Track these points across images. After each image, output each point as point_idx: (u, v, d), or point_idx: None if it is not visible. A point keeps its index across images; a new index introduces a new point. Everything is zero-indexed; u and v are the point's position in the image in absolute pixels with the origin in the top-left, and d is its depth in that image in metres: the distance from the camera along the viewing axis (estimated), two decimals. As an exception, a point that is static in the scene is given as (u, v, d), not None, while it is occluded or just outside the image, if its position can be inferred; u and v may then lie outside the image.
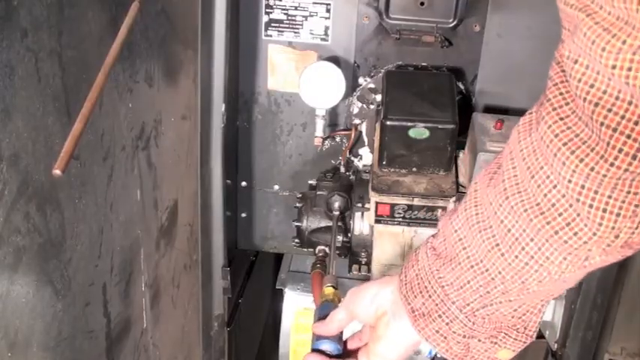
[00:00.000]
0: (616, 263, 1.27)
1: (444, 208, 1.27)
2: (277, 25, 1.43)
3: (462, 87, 1.45)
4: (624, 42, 0.51)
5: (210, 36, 1.24)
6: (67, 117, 0.76)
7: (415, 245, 1.32)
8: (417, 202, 1.27)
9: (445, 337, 0.76)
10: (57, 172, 0.67)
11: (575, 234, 0.63)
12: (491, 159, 1.25)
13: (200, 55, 1.23)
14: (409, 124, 1.26)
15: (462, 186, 1.33)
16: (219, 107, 1.29)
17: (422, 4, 1.38)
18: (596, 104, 0.56)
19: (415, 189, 1.28)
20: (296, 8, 1.41)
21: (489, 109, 1.45)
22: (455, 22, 1.39)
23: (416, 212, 1.28)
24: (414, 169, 1.30)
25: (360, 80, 1.46)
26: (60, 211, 0.77)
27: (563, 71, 0.61)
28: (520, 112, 1.45)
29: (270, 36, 1.44)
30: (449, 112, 1.27)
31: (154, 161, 1.07)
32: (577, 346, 1.39)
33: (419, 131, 1.25)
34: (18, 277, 0.70)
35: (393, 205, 1.28)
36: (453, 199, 1.27)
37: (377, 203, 1.28)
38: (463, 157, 1.38)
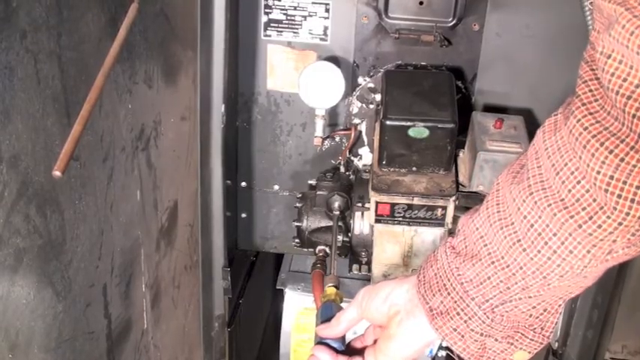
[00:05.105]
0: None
1: (443, 207, 1.27)
2: (276, 25, 1.43)
3: (461, 86, 1.45)
4: None
5: (209, 36, 1.24)
6: (67, 118, 0.76)
7: (415, 245, 1.32)
8: (416, 201, 1.27)
9: (462, 336, 0.76)
10: (57, 173, 0.67)
11: (599, 227, 0.65)
12: (490, 158, 1.26)
13: (199, 55, 1.23)
14: (409, 123, 1.26)
15: (462, 185, 1.33)
16: (218, 108, 1.29)
17: (421, 3, 1.38)
18: (629, 97, 0.59)
19: (415, 188, 1.28)
20: (295, 8, 1.41)
21: (489, 108, 1.45)
22: (454, 22, 1.39)
23: (416, 211, 1.28)
24: (414, 169, 1.30)
25: (360, 80, 1.46)
26: (60, 213, 0.77)
27: (592, 70, 0.64)
28: (520, 111, 1.46)
29: (270, 36, 1.44)
30: (448, 111, 1.27)
31: (153, 162, 1.07)
32: (578, 344, 1.39)
33: (418, 131, 1.25)
34: (18, 279, 0.70)
35: (393, 205, 1.28)
36: (453, 198, 1.27)
37: (377, 203, 1.28)
38: (463, 156, 1.38)
